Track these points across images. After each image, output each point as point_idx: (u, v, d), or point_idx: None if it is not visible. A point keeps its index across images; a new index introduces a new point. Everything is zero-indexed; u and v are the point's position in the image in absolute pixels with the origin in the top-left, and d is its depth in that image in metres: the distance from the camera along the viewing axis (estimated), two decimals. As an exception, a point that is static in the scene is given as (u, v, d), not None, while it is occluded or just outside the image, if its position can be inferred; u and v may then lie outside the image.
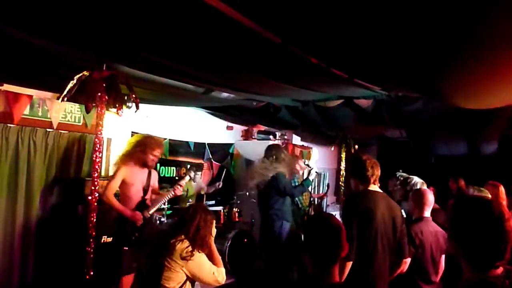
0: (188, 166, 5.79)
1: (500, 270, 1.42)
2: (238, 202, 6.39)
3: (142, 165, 3.86)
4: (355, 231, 2.59)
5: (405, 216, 3.89)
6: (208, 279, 2.53)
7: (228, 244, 5.25)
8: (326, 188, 7.42)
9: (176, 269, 2.41)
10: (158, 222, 4.70)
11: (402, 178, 4.38)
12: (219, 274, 2.59)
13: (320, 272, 1.77)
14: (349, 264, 2.62)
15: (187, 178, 4.10)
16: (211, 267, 2.56)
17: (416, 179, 3.87)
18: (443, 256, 3.18)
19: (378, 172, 2.84)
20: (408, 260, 2.83)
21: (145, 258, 2.61)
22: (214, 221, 2.71)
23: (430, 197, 3.12)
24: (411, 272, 2.96)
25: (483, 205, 1.46)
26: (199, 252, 2.50)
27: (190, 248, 2.45)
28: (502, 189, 4.45)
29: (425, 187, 3.73)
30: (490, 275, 1.40)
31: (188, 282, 2.50)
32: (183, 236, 2.49)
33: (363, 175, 2.82)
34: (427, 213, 3.11)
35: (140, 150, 3.81)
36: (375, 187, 2.83)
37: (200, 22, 2.22)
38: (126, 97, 3.72)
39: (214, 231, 2.70)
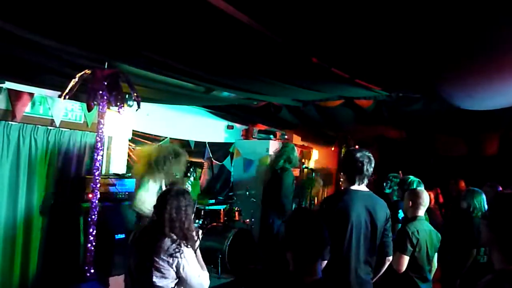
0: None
1: None
2: (238, 201, 6.39)
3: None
4: (329, 232, 2.52)
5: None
6: (194, 279, 2.41)
7: (228, 243, 5.26)
8: None
9: (165, 267, 2.31)
10: None
11: (398, 179, 4.42)
12: (204, 277, 2.47)
13: (302, 268, 1.77)
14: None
15: (189, 181, 4.13)
16: (198, 269, 2.44)
17: (412, 178, 3.89)
18: (436, 254, 3.23)
19: (368, 171, 2.68)
20: (391, 258, 2.79)
21: (134, 258, 2.46)
22: (191, 204, 2.51)
23: (426, 197, 3.17)
24: (408, 271, 2.99)
25: None
26: (187, 247, 2.38)
27: (174, 245, 2.33)
28: (500, 189, 4.46)
29: (422, 186, 3.75)
30: None
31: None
32: (163, 231, 2.36)
33: (350, 173, 2.70)
34: (421, 213, 3.16)
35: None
36: (359, 187, 2.70)
37: (201, 21, 2.23)
38: (127, 96, 3.73)
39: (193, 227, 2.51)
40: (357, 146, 7.68)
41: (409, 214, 3.20)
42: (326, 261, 2.45)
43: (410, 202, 3.18)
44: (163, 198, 2.46)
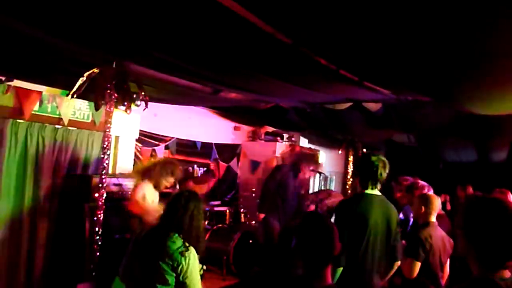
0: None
1: (508, 273, 1.40)
2: (244, 203, 6.37)
3: None
4: (347, 237, 2.48)
5: (411, 220, 3.85)
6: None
7: (233, 245, 5.24)
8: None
9: (169, 272, 2.24)
10: None
11: (407, 183, 4.36)
12: None
13: (311, 273, 1.75)
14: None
15: None
16: (198, 281, 2.31)
17: (422, 183, 3.84)
18: (448, 260, 3.19)
19: (382, 176, 2.69)
20: (399, 262, 2.79)
21: (139, 260, 2.37)
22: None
23: (437, 202, 3.13)
24: (422, 277, 2.93)
25: (496, 204, 1.45)
26: (195, 254, 2.28)
27: (183, 247, 2.25)
28: (510, 196, 4.40)
29: (431, 191, 3.70)
30: (498, 275, 1.39)
31: None
32: (175, 233, 2.28)
33: (365, 177, 2.71)
34: (434, 218, 3.10)
35: None
36: (373, 191, 2.72)
37: (211, 21, 2.22)
38: (135, 95, 3.72)
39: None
40: (364, 150, 7.63)
41: (422, 219, 3.13)
42: (342, 267, 2.46)
43: (423, 207, 3.10)
44: (187, 198, 2.38)
